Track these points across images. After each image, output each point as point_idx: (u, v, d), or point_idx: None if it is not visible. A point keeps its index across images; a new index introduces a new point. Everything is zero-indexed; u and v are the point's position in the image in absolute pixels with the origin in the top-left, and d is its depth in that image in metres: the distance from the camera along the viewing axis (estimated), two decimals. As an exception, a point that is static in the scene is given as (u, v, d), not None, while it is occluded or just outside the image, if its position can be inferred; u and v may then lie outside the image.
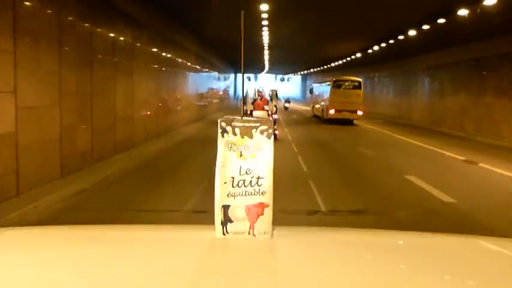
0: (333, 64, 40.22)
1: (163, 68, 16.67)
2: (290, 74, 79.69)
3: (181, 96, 20.20)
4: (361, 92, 25.79)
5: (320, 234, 1.36)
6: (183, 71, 20.62)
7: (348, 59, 35.24)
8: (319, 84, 32.43)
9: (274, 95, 36.20)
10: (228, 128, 1.16)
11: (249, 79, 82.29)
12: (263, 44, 28.25)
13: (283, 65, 53.49)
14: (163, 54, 16.59)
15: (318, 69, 50.77)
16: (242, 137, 1.16)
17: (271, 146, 1.16)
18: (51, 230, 1.52)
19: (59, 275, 0.98)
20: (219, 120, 1.18)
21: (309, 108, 42.44)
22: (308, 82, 68.60)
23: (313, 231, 1.42)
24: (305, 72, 62.98)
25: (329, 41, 26.94)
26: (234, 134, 1.16)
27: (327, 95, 27.06)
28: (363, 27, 21.36)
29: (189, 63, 22.27)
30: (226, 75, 43.74)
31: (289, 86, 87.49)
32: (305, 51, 33.81)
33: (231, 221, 1.14)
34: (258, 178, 1.14)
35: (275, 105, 22.16)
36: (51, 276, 0.97)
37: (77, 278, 0.96)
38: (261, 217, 1.13)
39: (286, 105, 42.95)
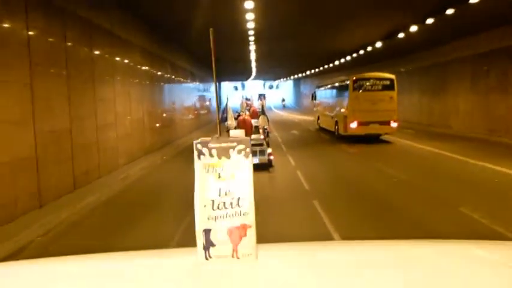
0: (336, 62, 32.19)
1: (54, 71, 8.54)
2: (280, 80, 71.56)
3: (112, 115, 12.08)
4: (394, 94, 17.67)
5: (308, 251, 1.29)
6: (117, 77, 12.54)
7: (354, 55, 27.33)
8: (326, 87, 24.20)
9: (265, 105, 28.52)
10: (205, 150, 1.10)
11: (236, 88, 74.34)
12: (248, 37, 20.28)
13: (272, 68, 45.42)
14: (49, 39, 8.45)
15: (316, 70, 42.76)
16: (219, 158, 1.10)
17: (250, 165, 1.10)
18: (23, 264, 1.37)
19: None
20: (194, 143, 1.09)
21: (308, 117, 34.49)
22: (302, 87, 60.61)
23: (301, 248, 1.32)
24: (298, 76, 54.92)
25: (332, 27, 19.04)
26: (211, 155, 1.09)
27: (343, 102, 18.94)
28: (377, 5, 13.72)
29: (134, 65, 14.24)
30: (206, 85, 35.59)
31: (279, 94, 79.69)
32: (300, 46, 25.82)
33: (213, 245, 1.10)
34: (239, 199, 1.10)
35: (267, 117, 15.42)
36: None
37: None
38: (244, 238, 1.10)
39: (283, 103, 50.12)
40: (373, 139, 18.10)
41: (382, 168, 11.58)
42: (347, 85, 18.28)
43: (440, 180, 10.09)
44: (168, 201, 8.74)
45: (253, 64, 35.77)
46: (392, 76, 17.91)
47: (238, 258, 1.08)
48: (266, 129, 15.22)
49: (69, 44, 9.21)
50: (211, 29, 1.55)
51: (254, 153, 11.64)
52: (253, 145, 11.09)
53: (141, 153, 14.41)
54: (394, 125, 17.64)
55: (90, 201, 8.66)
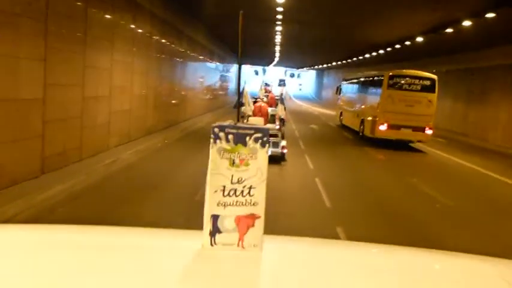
0: (367, 55, 29.96)
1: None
2: (303, 69, 69.12)
3: (107, 87, 10.27)
4: (434, 97, 15.53)
5: (313, 248, 1.27)
6: (118, 43, 10.72)
7: (388, 49, 25.18)
8: (355, 81, 22.05)
9: (284, 92, 26.70)
10: (221, 134, 1.04)
11: (257, 73, 72.05)
12: (276, 15, 18.27)
13: (296, 55, 43.24)
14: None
15: (342, 62, 40.47)
16: (235, 144, 1.05)
17: (265, 155, 1.06)
18: (26, 229, 1.32)
19: (25, 283, 0.90)
20: (212, 126, 1.05)
21: (329, 112, 32.45)
22: (325, 79, 58.27)
23: (307, 244, 1.31)
24: (323, 66, 52.59)
25: (369, 15, 16.97)
26: (227, 140, 1.05)
27: (373, 99, 16.87)
28: None
29: (142, 32, 12.40)
30: (225, 65, 33.65)
31: (299, 83, 77.25)
32: (329, 34, 23.73)
33: (219, 232, 1.06)
34: (250, 188, 1.06)
35: (284, 106, 14.08)
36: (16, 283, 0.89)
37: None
38: (251, 229, 1.06)
39: (300, 87, 50.38)
40: (402, 145, 16.10)
41: (420, 187, 9.60)
42: (381, 81, 16.16)
43: (498, 213, 8.11)
44: (158, 201, 6.92)
45: (277, 48, 33.71)
46: (434, 76, 15.72)
47: (243, 247, 1.06)
48: (283, 119, 13.70)
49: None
50: (241, 12, 1.55)
51: None
52: None
53: (140, 134, 12.66)
54: (429, 132, 15.55)
55: (56, 191, 6.89)
